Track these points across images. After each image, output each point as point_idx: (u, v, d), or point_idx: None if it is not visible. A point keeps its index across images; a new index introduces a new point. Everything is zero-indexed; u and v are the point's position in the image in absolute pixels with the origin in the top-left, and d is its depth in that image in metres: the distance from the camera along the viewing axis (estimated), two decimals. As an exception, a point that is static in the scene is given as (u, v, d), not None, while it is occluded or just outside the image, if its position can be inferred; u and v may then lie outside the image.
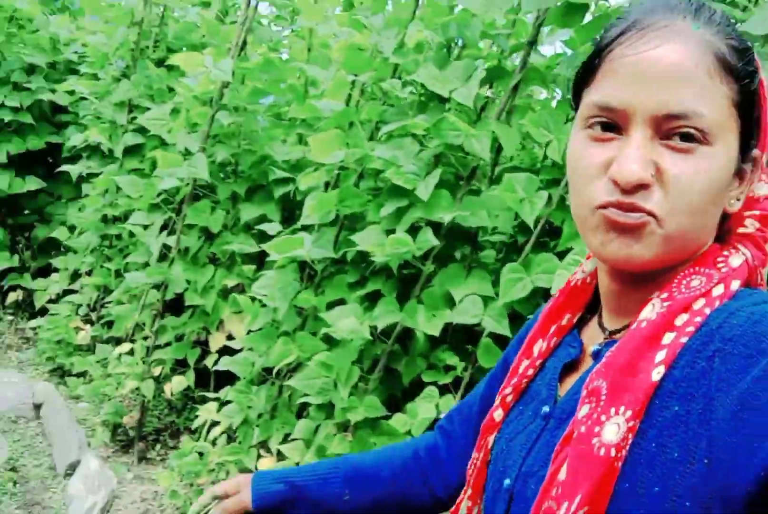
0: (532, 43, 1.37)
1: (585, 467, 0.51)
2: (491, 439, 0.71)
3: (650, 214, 0.53)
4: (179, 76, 2.60)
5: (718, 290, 0.54)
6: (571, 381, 0.65)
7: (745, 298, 0.54)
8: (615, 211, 0.53)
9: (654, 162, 0.53)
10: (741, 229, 0.61)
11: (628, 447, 0.51)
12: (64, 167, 3.22)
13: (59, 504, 2.30)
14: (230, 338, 2.28)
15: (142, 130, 2.76)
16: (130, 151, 2.91)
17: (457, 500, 0.77)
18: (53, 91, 3.37)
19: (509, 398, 0.71)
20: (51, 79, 3.44)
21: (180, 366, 2.50)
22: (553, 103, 1.82)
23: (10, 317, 3.52)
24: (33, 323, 3.26)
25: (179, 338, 2.48)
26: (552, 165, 1.47)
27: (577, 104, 0.61)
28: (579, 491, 0.51)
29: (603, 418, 0.52)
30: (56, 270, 3.37)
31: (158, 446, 2.64)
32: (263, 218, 2.23)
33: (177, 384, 2.41)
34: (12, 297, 3.43)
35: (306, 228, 1.82)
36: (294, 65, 2.14)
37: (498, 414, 0.71)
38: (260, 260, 2.22)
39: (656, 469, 0.49)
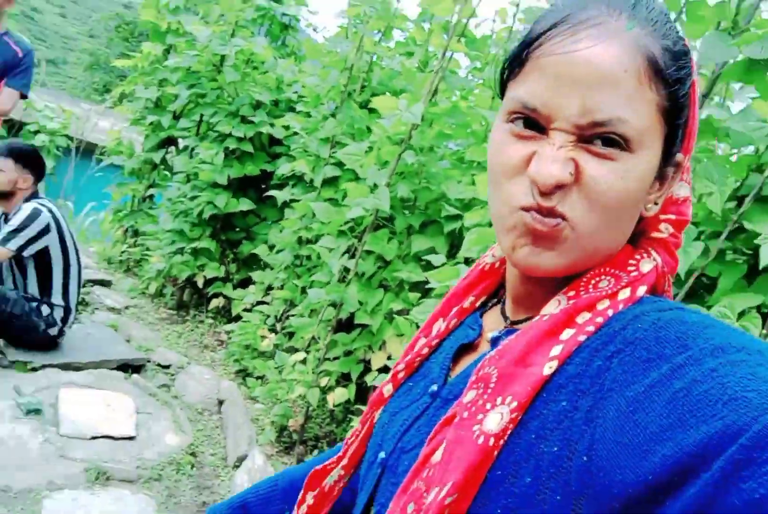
0: (705, 96, 1.39)
1: (461, 453, 0.50)
2: (377, 414, 0.70)
3: (564, 218, 0.52)
4: (378, 117, 2.87)
5: (624, 294, 0.54)
6: (464, 363, 0.64)
7: (651, 304, 0.53)
8: (533, 217, 0.52)
9: (573, 160, 0.51)
10: (655, 234, 0.60)
11: (506, 437, 0.50)
12: (272, 192, 3.64)
13: (226, 491, 2.57)
14: (390, 358, 2.45)
15: (339, 164, 3.07)
16: (328, 181, 3.23)
17: (324, 463, 0.75)
18: (272, 125, 3.85)
19: (401, 375, 0.70)
20: (272, 114, 3.94)
21: (344, 380, 2.70)
22: (719, 152, 1.78)
23: (210, 321, 4.00)
24: (228, 327, 3.68)
25: (347, 354, 2.69)
26: (710, 215, 1.44)
27: (503, 94, 0.58)
28: (451, 477, 0.50)
29: (488, 406, 0.51)
30: (253, 283, 3.79)
31: (316, 452, 2.85)
32: (431, 250, 2.39)
33: (339, 396, 2.60)
34: (214, 303, 3.91)
35: (467, 261, 1.93)
36: (478, 112, 2.29)
37: (387, 389, 0.70)
38: (426, 289, 2.37)
39: (531, 460, 0.48)
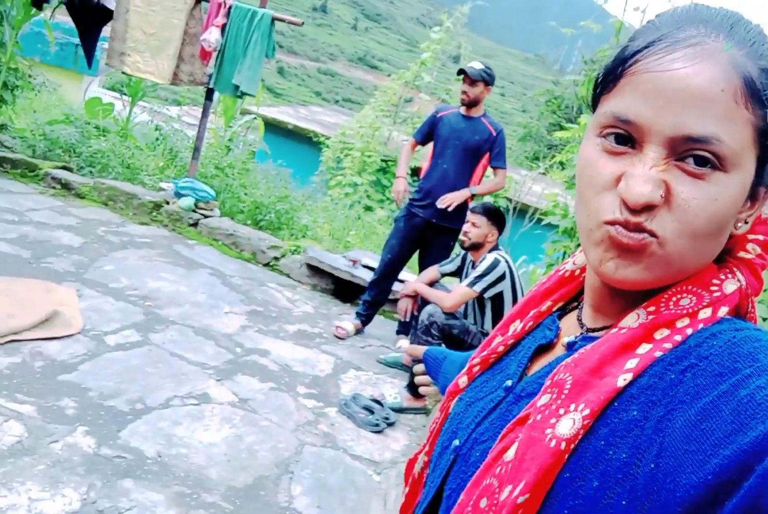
0: None
1: (534, 455, 0.52)
2: (452, 403, 0.73)
3: (653, 234, 0.52)
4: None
5: (705, 313, 0.54)
6: (540, 363, 0.65)
7: (729, 324, 0.54)
8: (620, 231, 0.53)
9: (665, 182, 0.52)
10: (742, 254, 0.59)
11: (577, 442, 0.51)
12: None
13: None
14: None
15: None
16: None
17: (416, 452, 0.79)
18: None
19: (476, 369, 0.73)
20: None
21: None
22: None
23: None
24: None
25: None
26: None
27: (595, 109, 0.58)
28: (524, 476, 0.52)
29: (561, 411, 0.53)
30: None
31: None
32: None
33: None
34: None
35: None
36: None
37: (463, 381, 0.73)
38: None
39: (600, 465, 0.50)
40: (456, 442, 0.66)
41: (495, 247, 3.67)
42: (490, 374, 0.71)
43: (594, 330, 0.62)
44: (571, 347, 0.62)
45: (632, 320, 0.56)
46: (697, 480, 0.43)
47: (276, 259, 5.58)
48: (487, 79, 4.06)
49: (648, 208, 0.51)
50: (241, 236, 5.65)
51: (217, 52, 5.76)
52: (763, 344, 0.49)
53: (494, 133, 4.16)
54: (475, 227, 3.57)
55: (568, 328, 0.67)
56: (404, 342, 4.45)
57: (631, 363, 0.52)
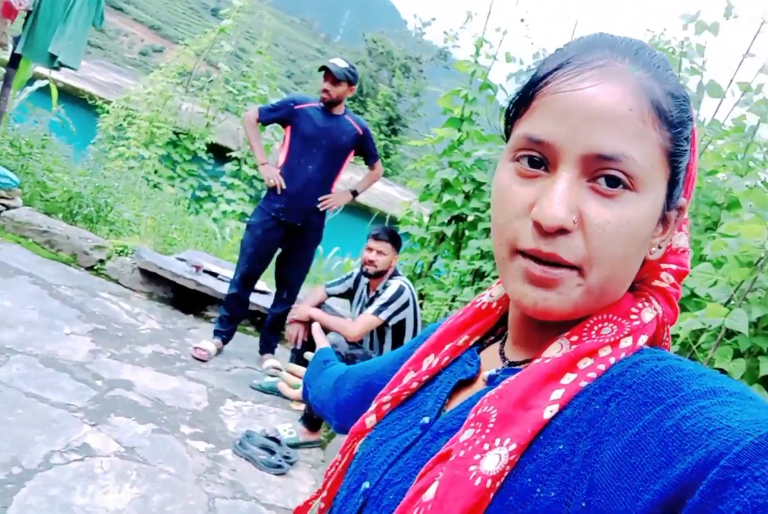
0: None
1: (457, 494, 0.50)
2: (358, 445, 0.70)
3: (572, 267, 0.53)
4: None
5: (626, 342, 0.55)
6: (459, 399, 0.64)
7: (650, 353, 0.55)
8: (534, 265, 0.53)
9: (578, 208, 0.52)
10: (656, 282, 0.61)
11: (503, 479, 0.50)
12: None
13: None
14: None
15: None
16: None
17: (306, 500, 0.77)
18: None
19: (385, 407, 0.70)
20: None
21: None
22: None
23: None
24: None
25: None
26: None
27: (508, 136, 0.60)
28: None
29: (486, 446, 0.51)
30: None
31: None
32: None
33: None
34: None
35: None
36: None
37: (370, 420, 0.70)
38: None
39: (528, 504, 0.48)
40: (366, 484, 0.63)
41: (395, 273, 3.62)
42: (402, 412, 0.68)
43: (516, 363, 0.62)
44: (492, 381, 0.61)
45: (555, 350, 0.56)
46: None
47: (101, 261, 4.91)
48: (351, 79, 3.91)
49: (562, 231, 0.52)
50: (57, 234, 4.87)
51: (30, 13, 4.86)
52: (686, 374, 0.49)
53: (361, 132, 4.07)
54: (381, 255, 3.49)
55: (488, 362, 0.66)
56: (272, 362, 4.22)
57: (557, 394, 0.52)
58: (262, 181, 9.38)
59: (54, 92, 7.30)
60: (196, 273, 4.89)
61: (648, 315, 0.57)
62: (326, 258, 8.68)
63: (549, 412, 0.51)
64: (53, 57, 4.98)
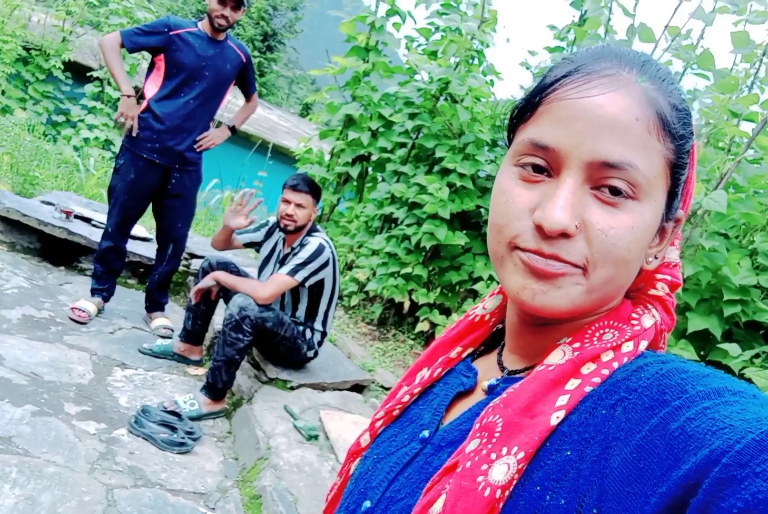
0: None
1: (465, 505, 0.50)
2: (353, 465, 0.71)
3: (574, 265, 0.54)
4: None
5: (628, 347, 0.56)
6: (457, 411, 0.65)
7: (653, 357, 0.56)
8: (537, 258, 0.55)
9: (581, 214, 0.54)
10: (652, 291, 0.63)
11: (511, 488, 0.50)
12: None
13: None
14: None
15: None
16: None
17: None
18: (495, 162, 4.19)
19: (378, 423, 0.71)
20: (494, 152, 4.28)
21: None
22: None
23: (411, 342, 4.42)
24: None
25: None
26: None
27: (511, 141, 0.62)
28: None
29: (493, 456, 0.52)
30: (455, 310, 4.17)
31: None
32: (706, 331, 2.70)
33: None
34: (420, 327, 4.32)
35: None
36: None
37: (365, 439, 0.71)
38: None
39: (538, 513, 0.49)
40: (367, 503, 0.63)
41: (314, 228, 3.38)
42: (397, 427, 0.69)
43: (515, 372, 0.63)
44: (492, 391, 0.62)
45: (558, 356, 0.57)
46: None
47: (-52, 207, 4.29)
48: (248, 2, 3.58)
49: (564, 236, 0.53)
50: None
51: None
52: (690, 375, 0.50)
53: (244, 59, 3.73)
54: (300, 208, 3.22)
55: (484, 372, 0.67)
56: (162, 321, 3.91)
57: (562, 400, 0.53)
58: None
59: None
60: (66, 219, 4.40)
61: (648, 321, 0.59)
62: (203, 191, 8.19)
63: (555, 418, 0.52)
64: None
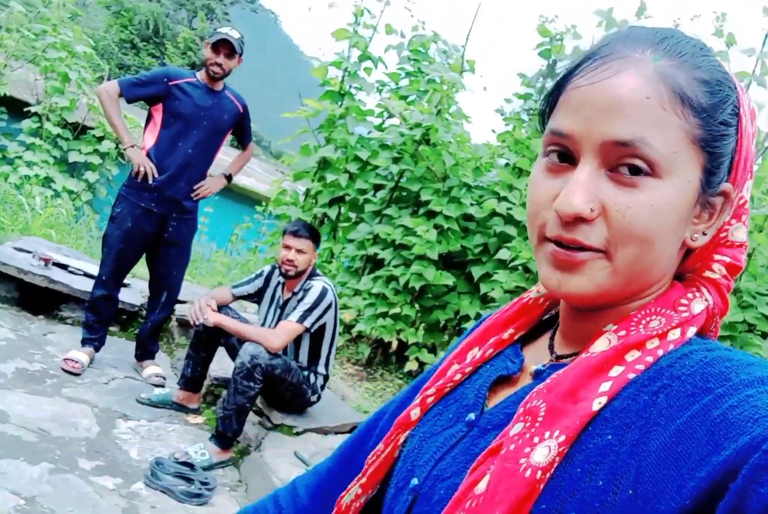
0: None
1: (507, 486, 0.52)
2: (403, 436, 0.72)
3: (596, 250, 0.56)
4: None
5: (674, 335, 0.57)
6: (503, 394, 0.66)
7: (699, 344, 0.56)
8: (558, 249, 0.57)
9: (598, 197, 0.55)
10: (708, 273, 0.62)
11: (552, 470, 0.52)
12: (472, 269, 4.19)
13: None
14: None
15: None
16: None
17: (348, 486, 0.77)
18: (480, 205, 4.40)
19: (430, 399, 0.71)
20: (472, 193, 4.50)
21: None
22: None
23: (400, 382, 4.53)
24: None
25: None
26: None
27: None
28: (497, 509, 0.52)
29: (536, 439, 0.53)
30: (442, 349, 4.32)
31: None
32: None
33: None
34: (409, 366, 4.44)
35: None
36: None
37: (415, 413, 0.72)
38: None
39: (576, 494, 0.50)
40: (414, 481, 0.65)
41: (314, 272, 3.48)
42: (442, 406, 0.71)
43: (563, 357, 0.64)
44: (538, 376, 0.64)
45: (604, 344, 0.57)
46: (675, 506, 0.44)
47: None
48: (242, 50, 3.71)
49: (581, 220, 0.55)
50: None
51: None
52: (735, 364, 0.51)
53: (241, 110, 3.84)
54: (301, 254, 3.32)
55: (533, 357, 0.68)
56: (153, 369, 3.92)
57: (605, 386, 0.54)
58: (67, 139, 8.51)
59: None
60: (45, 267, 4.37)
61: (698, 306, 0.59)
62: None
63: (597, 404, 0.53)
64: None
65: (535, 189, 0.60)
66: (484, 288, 4.19)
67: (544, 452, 0.52)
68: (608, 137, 0.54)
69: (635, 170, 0.54)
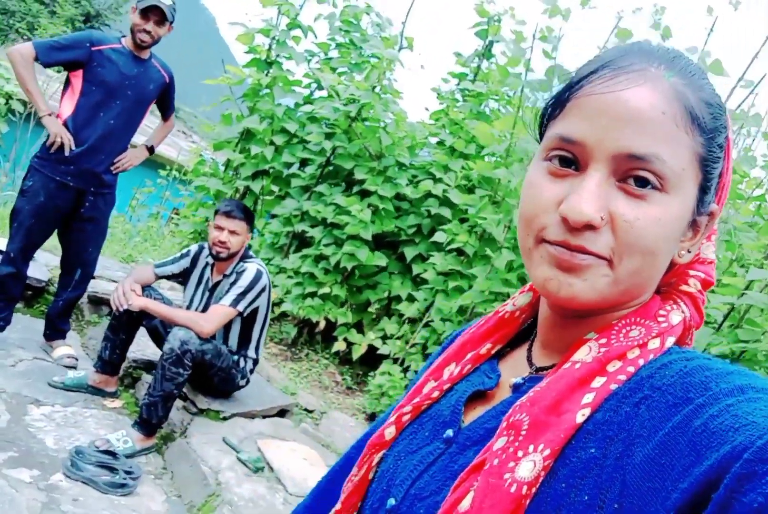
0: None
1: (493, 502, 0.51)
2: (377, 457, 0.70)
3: (601, 257, 0.55)
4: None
5: (654, 344, 0.57)
6: (479, 409, 0.65)
7: (678, 354, 0.56)
8: (563, 250, 0.56)
9: (606, 206, 0.55)
10: (684, 287, 0.63)
11: (538, 485, 0.51)
12: (405, 249, 4.16)
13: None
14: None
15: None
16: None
17: None
18: (415, 185, 4.35)
19: (405, 417, 0.70)
20: (408, 173, 4.44)
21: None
22: None
23: (326, 361, 4.47)
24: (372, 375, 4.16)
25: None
26: None
27: (542, 137, 0.63)
28: None
29: (520, 453, 0.52)
30: (372, 330, 4.29)
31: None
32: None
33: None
34: (337, 346, 4.37)
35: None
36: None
37: (390, 432, 0.70)
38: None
39: (562, 510, 0.50)
40: (391, 501, 0.64)
41: (246, 255, 3.34)
42: (417, 423, 0.70)
43: (542, 369, 0.64)
44: (517, 389, 0.63)
45: (584, 353, 0.57)
46: None
47: None
48: (174, 18, 3.49)
49: (589, 227, 0.55)
50: None
51: None
52: (714, 373, 0.51)
53: (167, 80, 3.63)
54: (234, 235, 3.17)
55: (511, 370, 0.68)
56: (65, 349, 3.67)
57: (588, 398, 0.54)
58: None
59: None
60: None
61: (676, 317, 0.60)
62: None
63: (581, 416, 0.53)
64: None
65: (536, 192, 0.59)
66: (416, 269, 4.17)
67: (529, 467, 0.51)
68: (624, 149, 0.54)
69: (643, 182, 0.54)
